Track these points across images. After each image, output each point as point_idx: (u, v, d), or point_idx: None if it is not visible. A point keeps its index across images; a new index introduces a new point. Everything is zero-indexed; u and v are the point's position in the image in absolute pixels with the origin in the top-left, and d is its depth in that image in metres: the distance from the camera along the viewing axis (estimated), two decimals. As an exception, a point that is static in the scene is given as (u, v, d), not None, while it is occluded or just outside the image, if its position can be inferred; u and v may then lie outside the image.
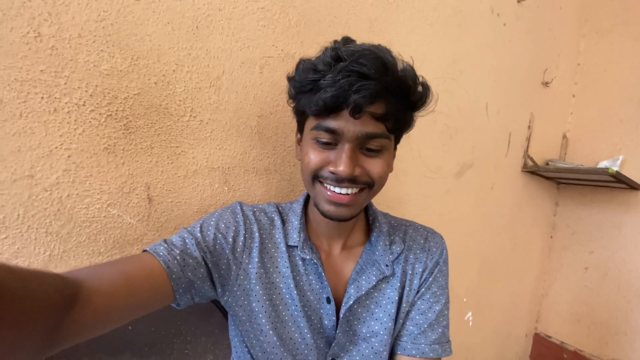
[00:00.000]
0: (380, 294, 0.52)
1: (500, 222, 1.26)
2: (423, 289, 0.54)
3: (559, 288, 1.47)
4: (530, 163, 1.28)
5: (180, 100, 0.58)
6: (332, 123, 0.42)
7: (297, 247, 0.49)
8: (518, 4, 1.15)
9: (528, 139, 1.29)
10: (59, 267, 0.51)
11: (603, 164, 1.32)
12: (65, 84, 0.48)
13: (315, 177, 0.46)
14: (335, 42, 0.47)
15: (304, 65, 0.46)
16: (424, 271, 0.55)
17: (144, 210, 0.56)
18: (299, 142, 0.52)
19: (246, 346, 0.49)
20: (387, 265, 0.52)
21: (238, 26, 0.62)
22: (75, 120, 0.50)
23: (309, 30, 0.70)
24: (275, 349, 0.47)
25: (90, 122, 0.51)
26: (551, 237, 1.52)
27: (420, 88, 0.47)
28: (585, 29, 1.47)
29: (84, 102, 0.50)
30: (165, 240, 0.45)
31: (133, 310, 0.38)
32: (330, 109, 0.41)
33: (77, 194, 0.50)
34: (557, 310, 1.47)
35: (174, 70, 0.57)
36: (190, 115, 0.59)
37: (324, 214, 0.46)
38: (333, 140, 0.44)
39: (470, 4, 1.01)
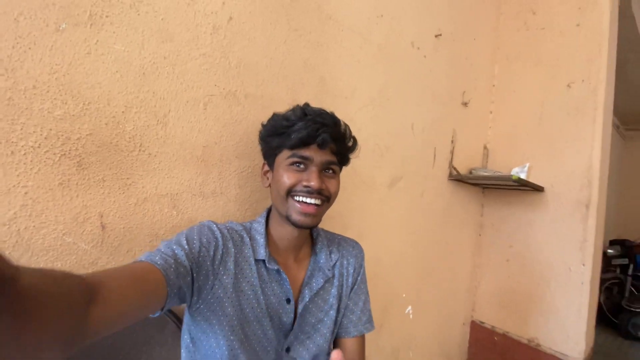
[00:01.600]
0: (326, 292, 0.65)
1: (432, 224, 1.44)
2: (355, 286, 0.70)
3: (488, 279, 1.69)
4: (454, 172, 1.48)
5: (129, 137, 0.66)
6: (305, 152, 0.58)
7: (264, 260, 0.59)
8: (436, 39, 1.36)
9: (452, 152, 1.50)
10: (17, 293, 0.56)
11: (514, 171, 1.56)
12: (21, 129, 0.55)
13: (289, 192, 0.58)
14: (300, 105, 0.66)
15: (276, 117, 0.64)
16: (354, 272, 0.70)
17: (98, 237, 0.63)
18: (266, 173, 0.66)
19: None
20: (329, 270, 0.66)
21: (182, 70, 0.72)
22: (31, 161, 0.56)
23: (248, 71, 0.82)
24: (242, 344, 0.56)
25: (45, 161, 0.57)
26: (480, 235, 1.75)
27: (352, 140, 0.67)
28: (497, 56, 1.74)
29: (39, 144, 0.57)
30: (157, 250, 0.50)
31: (141, 311, 0.41)
32: (304, 143, 0.58)
33: (34, 226, 0.57)
34: (487, 299, 1.69)
35: (123, 112, 0.65)
36: (139, 150, 0.67)
37: (295, 223, 0.58)
38: (305, 165, 0.59)
39: (393, 41, 1.18)
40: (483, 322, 1.68)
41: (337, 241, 0.72)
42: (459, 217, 1.61)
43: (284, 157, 0.60)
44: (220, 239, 0.58)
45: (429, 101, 1.36)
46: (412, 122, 1.29)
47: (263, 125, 0.67)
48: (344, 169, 1.01)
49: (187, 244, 0.53)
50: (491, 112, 1.74)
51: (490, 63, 1.72)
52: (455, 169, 1.49)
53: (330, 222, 0.99)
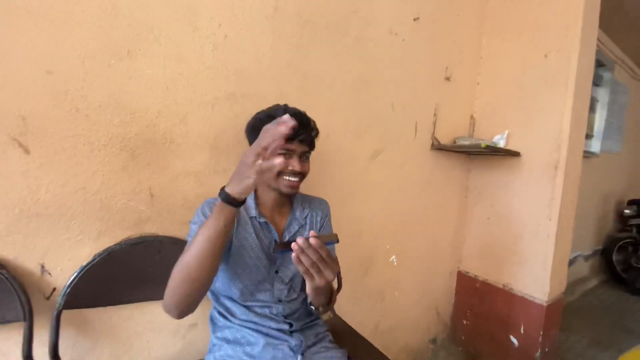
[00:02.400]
0: (300, 234, 0.92)
1: (415, 189, 1.66)
2: (323, 226, 0.97)
3: (472, 235, 1.91)
4: (436, 143, 1.67)
5: (162, 134, 0.95)
6: (289, 146, 0.80)
7: (255, 216, 0.87)
8: (414, 22, 1.50)
9: (434, 124, 1.68)
10: (104, 238, 0.90)
11: (496, 138, 1.71)
12: (96, 134, 0.86)
13: (279, 174, 0.82)
14: (280, 105, 0.87)
15: (262, 116, 0.85)
16: (321, 219, 0.96)
17: (149, 201, 0.95)
18: None
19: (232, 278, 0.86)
20: (302, 219, 0.93)
21: (194, 82, 0.98)
22: (103, 154, 0.88)
23: (242, 76, 1.06)
24: (248, 271, 0.84)
25: (111, 154, 0.89)
26: (465, 197, 1.94)
27: (315, 131, 0.89)
28: (485, 27, 1.82)
29: (106, 143, 0.88)
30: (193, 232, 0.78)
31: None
32: (289, 139, 0.78)
33: (110, 195, 0.89)
34: (471, 252, 1.92)
35: (156, 116, 0.94)
36: (170, 142, 0.97)
37: (285, 194, 0.84)
38: (289, 154, 0.82)
39: (370, 32, 1.36)
40: (468, 272, 1.93)
41: (308, 200, 0.98)
42: (444, 182, 1.81)
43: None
44: None
45: (409, 81, 1.54)
46: (392, 101, 1.49)
47: (249, 123, 0.90)
48: (330, 147, 1.29)
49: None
50: (478, 84, 1.86)
51: (476, 36, 1.82)
52: (437, 139, 1.68)
53: (317, 189, 1.26)
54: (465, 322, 1.92)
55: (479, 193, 1.87)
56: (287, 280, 0.87)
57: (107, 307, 0.91)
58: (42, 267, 0.83)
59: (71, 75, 0.82)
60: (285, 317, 0.83)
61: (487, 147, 1.48)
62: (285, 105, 0.89)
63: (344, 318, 1.27)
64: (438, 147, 1.68)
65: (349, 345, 1.00)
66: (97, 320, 0.91)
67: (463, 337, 1.92)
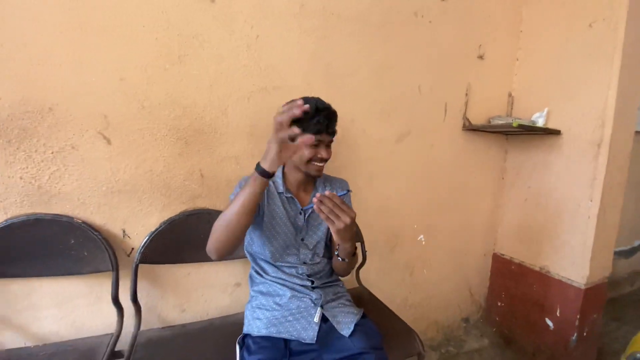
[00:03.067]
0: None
1: (444, 170, 1.68)
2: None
3: (508, 217, 1.87)
4: (467, 123, 1.66)
5: (208, 125, 1.13)
6: (320, 137, 0.91)
7: (283, 192, 1.02)
8: (442, 2, 1.50)
9: (466, 104, 1.66)
10: (167, 210, 1.12)
11: (535, 116, 1.64)
12: (158, 127, 1.07)
13: (310, 160, 0.95)
14: (311, 99, 0.92)
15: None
16: (342, 197, 1.07)
17: (200, 181, 1.15)
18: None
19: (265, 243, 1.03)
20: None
21: (232, 79, 1.15)
22: (164, 143, 1.08)
23: (273, 71, 1.20)
24: (277, 237, 1.00)
25: (170, 143, 1.09)
26: (502, 178, 1.89)
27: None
28: (526, -1, 1.72)
29: (166, 134, 1.08)
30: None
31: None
32: (320, 132, 0.90)
33: (170, 177, 1.10)
34: (507, 234, 1.88)
35: (203, 110, 1.12)
36: (214, 132, 1.15)
37: (313, 176, 0.98)
38: (318, 144, 0.93)
39: (394, 17, 1.40)
40: (503, 254, 1.90)
41: (330, 180, 1.10)
42: (478, 164, 1.79)
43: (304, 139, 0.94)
44: None
45: (437, 62, 1.54)
46: (419, 84, 1.52)
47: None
48: (355, 132, 1.39)
49: None
50: (517, 59, 1.78)
51: (514, 9, 1.72)
52: (468, 120, 1.67)
53: (344, 170, 1.37)
54: (499, 304, 1.92)
55: (516, 174, 1.82)
56: (311, 247, 1.01)
57: (171, 265, 1.14)
58: (124, 231, 1.08)
59: (137, 80, 1.02)
60: (309, 276, 0.98)
61: (521, 126, 1.45)
62: (317, 102, 0.92)
63: (371, 290, 1.39)
64: (470, 128, 1.66)
65: (372, 313, 1.13)
66: (164, 275, 1.15)
67: (497, 318, 1.93)
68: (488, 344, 1.87)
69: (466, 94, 1.66)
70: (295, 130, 0.75)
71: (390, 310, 1.23)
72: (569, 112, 1.54)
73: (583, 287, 1.50)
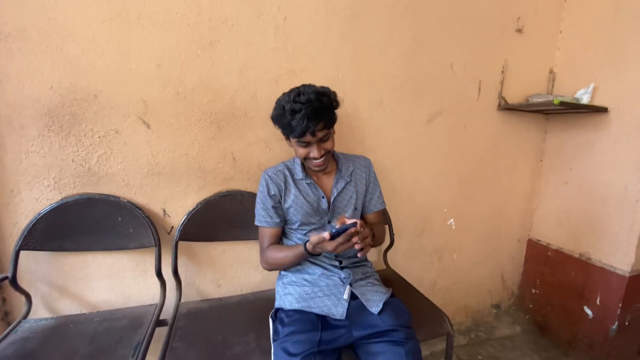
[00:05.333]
0: (347, 190, 1.05)
1: (478, 152, 1.61)
2: (370, 184, 1.08)
3: (547, 201, 1.77)
4: (503, 102, 1.57)
5: (239, 109, 1.17)
6: (304, 139, 0.87)
7: (302, 178, 1.03)
8: (479, -27, 1.40)
9: (502, 82, 1.57)
10: (202, 191, 1.18)
11: (579, 93, 1.52)
12: (192, 111, 1.11)
13: (304, 159, 0.96)
14: (291, 97, 0.87)
15: (276, 114, 0.91)
16: (366, 176, 1.08)
17: (232, 163, 1.19)
18: (286, 139, 0.98)
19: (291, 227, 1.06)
20: (348, 177, 1.06)
21: (261, 62, 1.16)
22: (198, 127, 1.13)
23: (301, 53, 1.20)
24: (299, 226, 1.02)
25: (204, 127, 1.13)
26: (541, 160, 1.79)
27: (334, 103, 0.90)
28: (573, -36, 1.57)
29: (199, 118, 1.13)
30: (259, 216, 1.00)
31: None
32: (302, 135, 0.86)
33: (205, 159, 1.15)
34: (545, 220, 1.79)
35: (234, 94, 1.15)
36: (245, 115, 1.18)
37: (315, 171, 0.99)
38: (307, 144, 0.91)
39: (426, -9, 1.34)
40: (539, 240, 1.82)
41: (352, 159, 1.09)
42: (515, 145, 1.70)
43: (293, 140, 0.91)
44: (272, 186, 0.99)
45: (471, 38, 1.46)
46: (452, 61, 1.45)
47: (272, 112, 0.93)
48: (383, 113, 1.36)
49: (270, 198, 0.99)
50: (561, 32, 1.64)
51: (561, -24, 1.58)
52: (504, 99, 1.58)
53: (372, 153, 1.35)
54: (534, 291, 1.85)
55: (557, 156, 1.71)
56: (339, 228, 1.03)
57: (207, 242, 1.21)
58: (164, 211, 1.15)
59: (173, 66, 1.07)
60: (336, 256, 1.00)
61: (563, 103, 1.36)
62: (295, 99, 0.86)
63: (400, 273, 1.39)
64: (506, 107, 1.58)
65: (400, 294, 1.13)
66: (201, 252, 1.22)
67: (531, 306, 1.87)
68: (520, 331, 1.83)
69: (502, 71, 1.57)
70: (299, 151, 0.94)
71: (418, 292, 1.23)
72: (618, 88, 1.41)
73: (627, 274, 1.41)
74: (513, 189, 1.78)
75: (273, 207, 0.99)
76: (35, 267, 1.05)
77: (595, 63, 1.50)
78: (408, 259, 1.59)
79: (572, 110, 1.53)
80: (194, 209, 1.15)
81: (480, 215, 1.72)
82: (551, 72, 1.68)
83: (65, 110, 0.99)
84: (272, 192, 0.99)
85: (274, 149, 1.24)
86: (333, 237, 0.76)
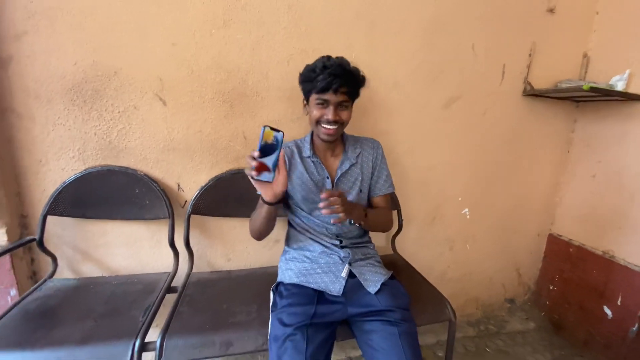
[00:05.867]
0: (351, 172, 1.04)
1: (498, 140, 1.54)
2: (377, 166, 1.07)
3: (571, 195, 1.68)
4: (528, 88, 1.49)
5: (251, 88, 1.18)
6: (325, 96, 0.89)
7: (309, 156, 1.04)
8: (508, -53, 1.31)
9: (528, 66, 1.48)
10: (215, 168, 1.22)
11: (614, 80, 1.40)
12: (205, 89, 1.14)
13: (318, 122, 0.96)
14: (324, 57, 0.92)
15: (307, 69, 0.93)
16: (373, 158, 1.06)
17: (243, 143, 1.22)
18: (305, 106, 1.02)
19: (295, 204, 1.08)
20: (354, 159, 1.05)
21: (273, 42, 1.16)
22: (211, 105, 1.16)
23: (314, 32, 1.19)
24: (302, 203, 1.04)
25: (216, 105, 1.16)
26: (568, 151, 1.68)
27: (361, 78, 0.94)
28: None
29: (212, 97, 1.16)
30: None
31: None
32: (324, 90, 0.88)
33: (217, 138, 1.19)
34: (568, 214, 1.70)
35: (245, 74, 1.17)
36: (256, 95, 1.19)
37: (322, 139, 0.98)
38: (326, 104, 0.92)
39: (448, -32, 1.27)
40: (560, 235, 1.74)
41: (360, 141, 1.08)
42: (540, 134, 1.61)
43: (313, 98, 0.92)
44: None
45: (496, 18, 1.38)
46: (473, 43, 1.38)
47: (300, 74, 0.95)
48: (397, 96, 1.34)
49: None
50: (597, 13, 1.51)
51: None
52: (530, 84, 1.49)
53: (383, 137, 1.32)
54: (551, 288, 1.78)
55: (585, 146, 1.61)
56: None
57: (219, 217, 1.25)
58: (178, 185, 1.21)
59: (187, 45, 1.10)
60: (337, 235, 1.01)
61: (594, 89, 1.26)
62: (326, 60, 0.91)
63: (407, 260, 1.38)
64: (531, 93, 1.49)
65: (404, 278, 1.14)
66: (213, 227, 1.28)
67: (547, 302, 1.80)
68: (534, 327, 1.77)
69: (530, 55, 1.48)
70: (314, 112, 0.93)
71: (422, 277, 1.22)
72: (660, 74, 1.29)
73: (654, 275, 1.33)
74: (535, 181, 1.69)
75: None
76: (62, 231, 1.14)
77: (634, 47, 1.38)
78: (418, 246, 1.57)
79: (605, 97, 1.42)
80: (206, 184, 1.20)
81: (497, 207, 1.66)
82: (585, 56, 1.57)
83: (88, 85, 1.05)
84: None
85: (285, 130, 1.23)
86: (261, 152, 0.75)
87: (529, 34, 1.46)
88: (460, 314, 1.75)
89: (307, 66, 0.94)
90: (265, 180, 0.77)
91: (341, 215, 0.80)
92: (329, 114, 0.90)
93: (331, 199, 0.80)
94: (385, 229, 1.08)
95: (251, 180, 0.77)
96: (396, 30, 1.28)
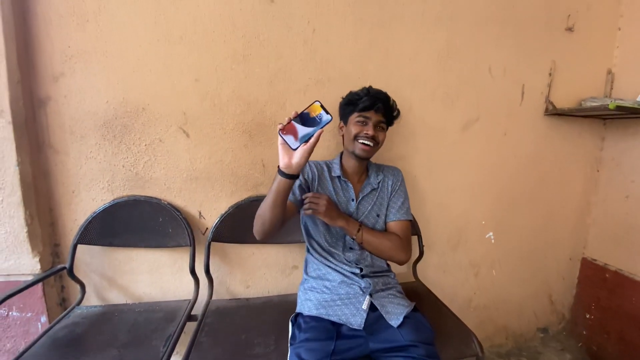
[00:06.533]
0: (371, 195, 1.06)
1: (521, 160, 1.49)
2: (394, 193, 1.08)
3: (604, 217, 1.58)
4: (550, 107, 1.45)
5: (269, 119, 1.22)
6: (366, 114, 0.99)
7: (339, 176, 1.05)
8: (521, -29, 1.32)
9: (549, 86, 1.45)
10: (234, 196, 1.24)
11: (642, 97, 1.35)
12: (226, 121, 1.19)
13: (356, 137, 1.00)
14: (366, 87, 1.03)
15: (352, 93, 1.04)
16: (393, 184, 1.07)
17: (262, 170, 1.25)
18: (342, 127, 1.07)
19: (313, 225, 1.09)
20: (375, 184, 1.06)
21: (290, 74, 1.21)
22: (231, 136, 1.20)
23: (329, 63, 1.23)
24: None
25: (236, 135, 1.20)
26: (597, 170, 1.60)
27: (396, 111, 1.05)
28: (636, -47, 1.41)
29: (233, 127, 1.20)
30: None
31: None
32: (367, 108, 0.98)
33: (237, 166, 1.22)
34: (602, 237, 1.59)
35: (264, 105, 1.21)
36: (274, 125, 1.23)
37: (358, 156, 1.00)
38: (366, 122, 0.99)
39: (460, -5, 1.29)
40: (595, 260, 1.63)
41: (382, 168, 1.10)
42: (565, 153, 1.55)
43: (354, 117, 1.01)
44: (308, 170, 1.04)
45: (512, 39, 1.38)
46: (489, 65, 1.38)
47: (342, 98, 1.06)
48: (413, 120, 1.36)
49: (302, 176, 1.02)
50: (620, 29, 1.48)
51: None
52: (551, 103, 1.45)
53: (400, 161, 1.33)
54: (588, 316, 1.66)
55: (616, 165, 1.53)
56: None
57: (238, 244, 1.27)
58: (200, 213, 1.24)
59: (209, 80, 1.15)
60: (356, 263, 0.99)
61: (620, 108, 1.22)
62: (369, 87, 1.03)
63: (429, 287, 1.33)
64: (554, 112, 1.45)
65: (426, 309, 1.10)
66: (232, 253, 1.29)
67: (584, 332, 1.67)
68: (570, 359, 1.64)
69: (550, 74, 1.45)
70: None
71: (446, 307, 1.17)
72: (693, 89, 1.23)
73: None
74: (563, 202, 1.62)
75: (299, 185, 1.01)
76: (90, 259, 1.18)
77: (664, 62, 1.33)
78: (440, 272, 1.52)
79: (634, 115, 1.36)
80: (226, 211, 1.22)
81: (523, 230, 1.59)
82: (609, 72, 1.52)
83: (118, 121, 1.12)
84: (307, 173, 1.03)
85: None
86: (301, 118, 0.77)
87: (548, 53, 1.44)
88: (489, 345, 1.65)
89: (351, 92, 1.06)
90: (288, 143, 0.76)
91: (320, 210, 0.91)
92: (369, 129, 0.98)
93: (313, 196, 0.92)
94: (391, 255, 1.02)
95: (279, 137, 0.78)
96: (410, 57, 1.29)
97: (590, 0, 1.43)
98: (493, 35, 1.36)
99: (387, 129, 1.05)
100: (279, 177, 0.81)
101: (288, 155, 0.79)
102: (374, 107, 0.98)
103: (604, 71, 1.52)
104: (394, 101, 1.04)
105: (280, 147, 0.79)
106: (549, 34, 1.42)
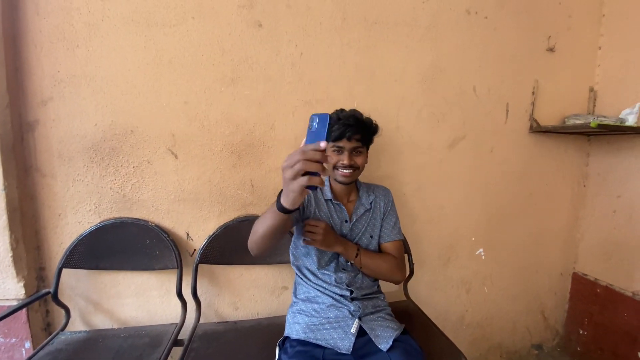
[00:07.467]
0: (364, 217, 1.06)
1: (508, 177, 1.51)
2: (387, 214, 1.08)
3: (592, 231, 1.59)
4: (534, 125, 1.48)
5: (258, 140, 1.23)
6: (339, 144, 0.96)
7: (331, 199, 1.05)
8: (501, -4, 1.37)
9: (532, 104, 1.48)
10: (222, 216, 1.24)
11: (624, 113, 1.38)
12: (215, 142, 1.20)
13: (334, 167, 1.01)
14: (338, 110, 1.02)
15: None
16: (384, 205, 1.08)
17: (251, 191, 1.25)
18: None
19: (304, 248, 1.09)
20: (368, 205, 1.07)
21: (278, 96, 1.23)
22: (220, 157, 1.21)
23: (316, 85, 1.25)
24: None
25: (225, 156, 1.21)
26: (584, 185, 1.63)
27: (373, 126, 1.02)
28: (611, -22, 1.47)
29: (221, 148, 1.21)
30: None
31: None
32: (338, 138, 0.95)
33: (225, 186, 1.23)
34: (591, 251, 1.60)
35: (253, 126, 1.22)
36: (263, 145, 1.24)
37: (339, 182, 1.02)
38: (341, 150, 0.98)
39: (443, 18, 1.33)
40: (586, 274, 1.64)
41: (372, 188, 1.11)
42: (552, 169, 1.58)
43: (330, 146, 1.00)
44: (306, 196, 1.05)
45: (495, 60, 1.42)
46: (474, 84, 1.41)
47: None
48: (401, 139, 1.37)
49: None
50: (600, 48, 1.53)
51: (596, -9, 1.49)
52: (535, 121, 1.49)
53: (388, 180, 1.35)
54: (581, 332, 1.65)
55: (602, 180, 1.56)
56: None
57: (226, 265, 1.26)
58: (187, 234, 1.23)
59: (198, 103, 1.17)
60: (348, 285, 0.99)
61: (602, 126, 1.24)
62: (339, 112, 1.01)
63: (420, 305, 1.32)
64: (538, 130, 1.48)
65: (417, 329, 1.09)
66: (220, 275, 1.28)
67: (578, 349, 1.66)
68: (566, 376, 1.63)
69: (533, 92, 1.49)
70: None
71: (437, 328, 1.16)
72: (673, 107, 1.27)
73: (696, 322, 1.21)
74: (552, 217, 1.63)
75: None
76: (75, 283, 1.17)
77: (641, 81, 1.37)
78: (432, 290, 1.51)
79: (617, 131, 1.39)
80: (214, 232, 1.22)
81: (513, 245, 1.60)
82: (592, 90, 1.56)
83: (107, 144, 1.12)
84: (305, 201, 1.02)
85: (291, 177, 1.28)
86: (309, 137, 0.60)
87: (530, 72, 1.48)
88: (480, 364, 1.63)
89: None
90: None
91: (317, 239, 0.92)
92: (344, 159, 0.97)
93: (312, 224, 0.93)
94: (388, 276, 1.04)
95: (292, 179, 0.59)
96: (395, 79, 1.32)
97: (570, 21, 1.48)
98: (476, 57, 1.40)
99: (368, 147, 1.04)
100: (280, 214, 0.70)
101: (302, 197, 0.64)
102: (344, 136, 0.95)
103: (586, 89, 1.56)
104: (368, 120, 1.00)
105: (297, 190, 0.60)
106: (531, 55, 1.47)
